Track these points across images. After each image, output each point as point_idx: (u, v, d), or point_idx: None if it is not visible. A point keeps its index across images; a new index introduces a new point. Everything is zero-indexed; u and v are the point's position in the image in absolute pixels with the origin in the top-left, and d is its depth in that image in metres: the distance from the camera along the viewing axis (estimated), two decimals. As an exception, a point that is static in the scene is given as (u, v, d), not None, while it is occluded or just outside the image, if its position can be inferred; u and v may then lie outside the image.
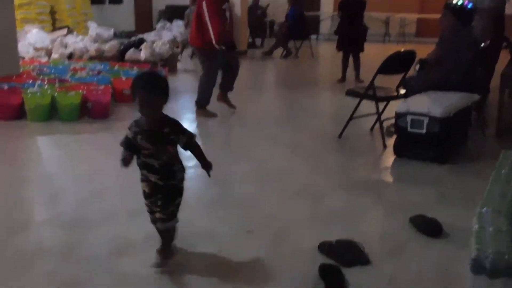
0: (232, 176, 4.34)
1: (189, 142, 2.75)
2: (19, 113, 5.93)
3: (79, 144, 5.31)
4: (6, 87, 6.15)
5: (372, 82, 5.13)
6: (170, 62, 9.39)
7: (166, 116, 2.72)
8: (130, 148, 2.70)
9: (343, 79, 8.75)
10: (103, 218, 3.44)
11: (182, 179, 2.82)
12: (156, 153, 2.68)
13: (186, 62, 10.57)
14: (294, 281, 2.75)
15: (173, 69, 9.40)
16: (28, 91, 5.98)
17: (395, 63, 5.23)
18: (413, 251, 3.09)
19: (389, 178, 4.53)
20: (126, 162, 2.71)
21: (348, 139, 5.33)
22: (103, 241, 3.15)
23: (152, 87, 2.61)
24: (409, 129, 4.56)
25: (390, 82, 5.56)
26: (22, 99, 5.91)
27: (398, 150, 4.74)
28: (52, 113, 5.92)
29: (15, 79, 6.59)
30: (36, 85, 6.23)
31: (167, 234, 2.85)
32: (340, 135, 5.36)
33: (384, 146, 5.04)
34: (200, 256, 3.00)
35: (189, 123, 6.11)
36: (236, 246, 3.13)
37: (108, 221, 3.38)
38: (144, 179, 2.77)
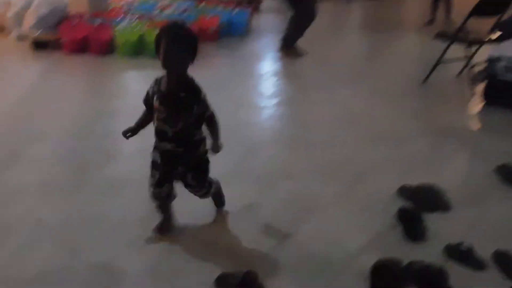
0: (311, 118, 4.33)
1: (202, 115, 2.39)
2: (109, 48, 6.13)
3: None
4: (97, 23, 6.36)
5: (463, 25, 4.87)
6: (255, 1, 9.30)
7: (189, 79, 2.38)
8: (148, 108, 2.47)
9: (431, 21, 8.34)
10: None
11: (206, 151, 2.54)
12: (170, 119, 2.38)
13: (271, 2, 10.42)
14: (371, 224, 2.76)
15: (257, 9, 9.32)
16: (118, 28, 6.16)
17: (490, 5, 4.91)
18: (495, 200, 3.00)
19: (475, 126, 4.35)
20: (127, 133, 2.56)
21: (433, 84, 5.14)
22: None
23: (179, 38, 2.28)
24: (501, 75, 4.33)
25: (483, 25, 5.24)
26: (112, 35, 6.11)
27: (487, 98, 4.53)
28: (140, 49, 6.08)
29: (106, 15, 6.78)
30: (125, 22, 6.40)
31: (219, 196, 2.85)
32: (424, 80, 5.18)
33: (472, 93, 4.82)
34: (277, 194, 3.07)
35: (271, 63, 6.11)
36: (313, 186, 3.16)
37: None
38: (156, 147, 2.52)
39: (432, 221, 2.76)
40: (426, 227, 2.71)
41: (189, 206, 2.78)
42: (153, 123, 2.47)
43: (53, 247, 2.58)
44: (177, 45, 2.25)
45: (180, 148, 2.43)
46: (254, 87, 5.27)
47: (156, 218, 2.72)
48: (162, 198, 2.60)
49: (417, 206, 2.88)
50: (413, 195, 2.98)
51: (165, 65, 2.29)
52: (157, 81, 2.41)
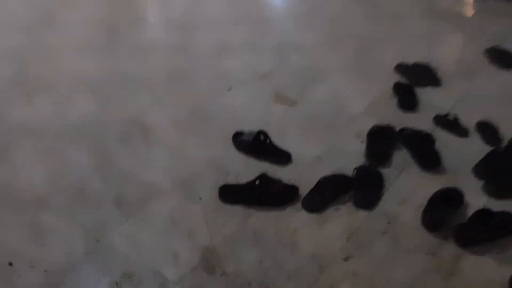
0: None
1: None
2: None
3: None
4: None
5: None
6: None
7: None
8: None
9: None
10: (208, 24, 3.49)
11: None
12: None
13: None
14: (371, 93, 2.81)
15: None
16: None
17: None
18: (483, 78, 3.03)
19: (470, 11, 4.21)
20: None
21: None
22: (208, 42, 3.24)
23: None
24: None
25: None
26: None
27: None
28: None
29: None
30: None
31: None
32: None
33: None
34: (289, 64, 3.07)
35: None
36: (320, 56, 3.17)
37: (212, 26, 3.43)
38: None
39: (424, 94, 2.82)
40: (418, 99, 2.77)
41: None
42: None
43: (88, 102, 2.63)
44: None
45: None
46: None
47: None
48: None
49: (411, 81, 2.91)
50: (409, 71, 3.00)
51: None
52: None
